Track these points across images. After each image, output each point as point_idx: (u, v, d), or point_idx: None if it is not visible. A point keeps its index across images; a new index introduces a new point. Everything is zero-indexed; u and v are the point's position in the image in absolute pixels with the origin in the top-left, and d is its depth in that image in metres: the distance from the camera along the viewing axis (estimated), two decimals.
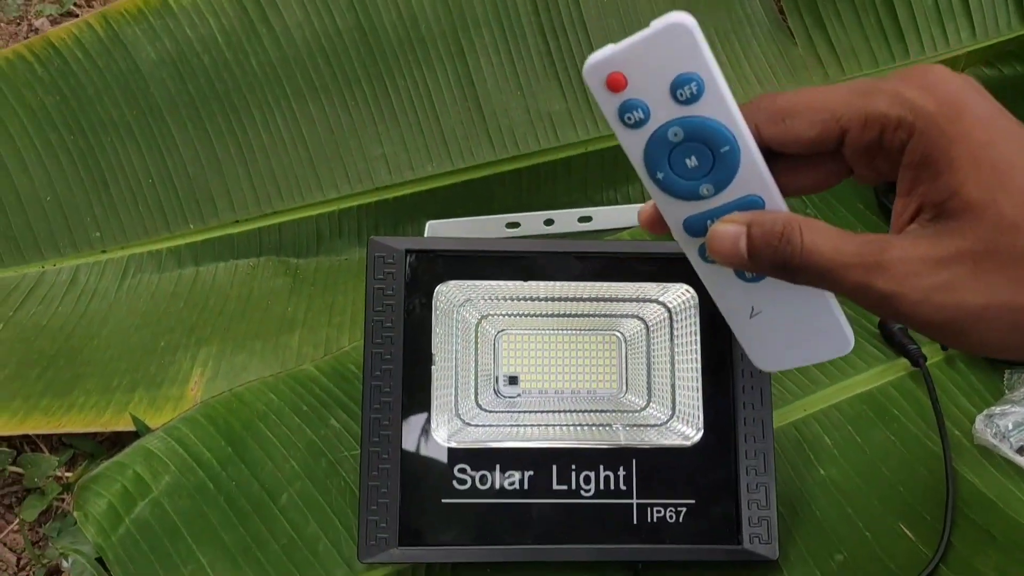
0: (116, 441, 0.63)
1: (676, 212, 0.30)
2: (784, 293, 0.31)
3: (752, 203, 0.30)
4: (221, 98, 0.73)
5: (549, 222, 0.74)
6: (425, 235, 0.71)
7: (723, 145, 0.29)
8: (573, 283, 0.52)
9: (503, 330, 0.54)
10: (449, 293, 0.52)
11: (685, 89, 0.28)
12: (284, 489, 0.54)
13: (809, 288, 0.29)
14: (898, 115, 0.27)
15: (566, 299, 0.54)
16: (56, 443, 0.64)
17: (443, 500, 0.49)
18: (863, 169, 0.30)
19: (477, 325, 0.53)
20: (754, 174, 0.29)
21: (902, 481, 0.56)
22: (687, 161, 0.29)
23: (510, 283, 0.52)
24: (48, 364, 0.64)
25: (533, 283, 0.52)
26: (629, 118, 0.29)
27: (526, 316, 0.54)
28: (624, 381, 0.54)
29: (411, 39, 0.73)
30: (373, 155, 0.73)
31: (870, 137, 0.28)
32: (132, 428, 0.59)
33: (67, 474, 0.61)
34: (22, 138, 0.72)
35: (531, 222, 0.73)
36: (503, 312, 0.54)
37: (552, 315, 0.54)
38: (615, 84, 0.28)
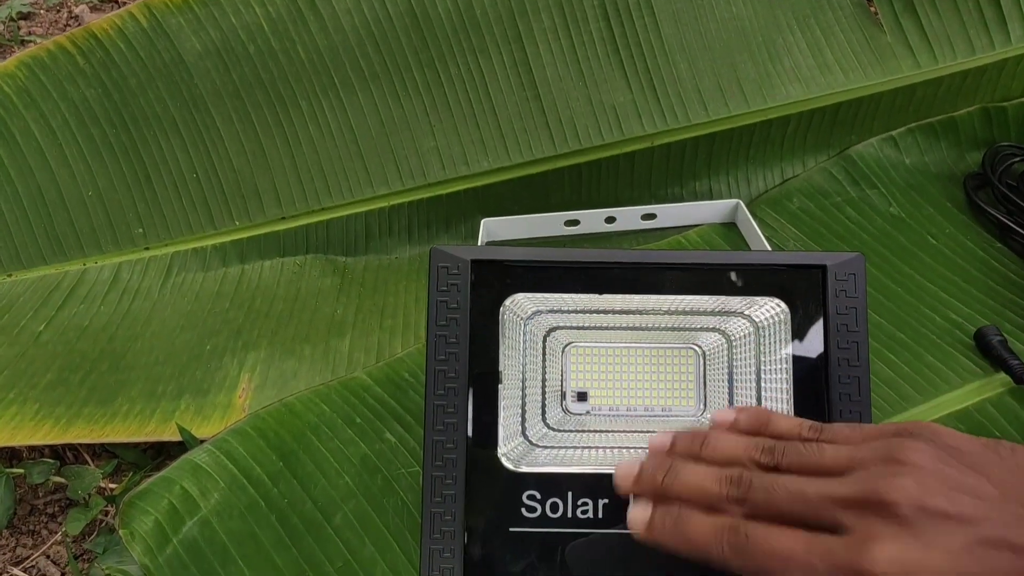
0: (161, 449, 0.61)
1: None
2: None
3: None
4: (267, 88, 0.69)
5: (611, 220, 0.69)
6: (479, 234, 0.67)
7: None
8: (650, 297, 0.48)
9: (571, 343, 0.50)
10: (516, 306, 0.48)
11: None
12: (339, 508, 0.51)
13: None
14: None
15: (641, 312, 0.49)
16: (99, 451, 0.62)
17: (511, 529, 0.46)
18: None
19: (545, 338, 0.49)
20: None
21: None
22: None
23: (583, 296, 0.48)
24: (91, 368, 0.61)
25: (608, 296, 0.48)
26: None
27: (597, 329, 0.50)
28: (703, 399, 0.50)
29: (466, 24, 0.69)
30: (425, 148, 0.70)
31: None
32: (178, 437, 0.57)
33: (111, 486, 0.59)
34: (64, 132, 0.69)
35: (592, 219, 0.69)
36: (572, 325, 0.50)
37: (625, 327, 0.50)
38: None
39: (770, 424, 0.38)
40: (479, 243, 0.67)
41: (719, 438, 0.37)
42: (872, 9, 0.70)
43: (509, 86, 0.69)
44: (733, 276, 0.49)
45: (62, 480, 0.59)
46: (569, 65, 0.69)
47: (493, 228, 0.69)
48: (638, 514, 0.36)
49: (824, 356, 0.47)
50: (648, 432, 0.49)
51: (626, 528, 0.45)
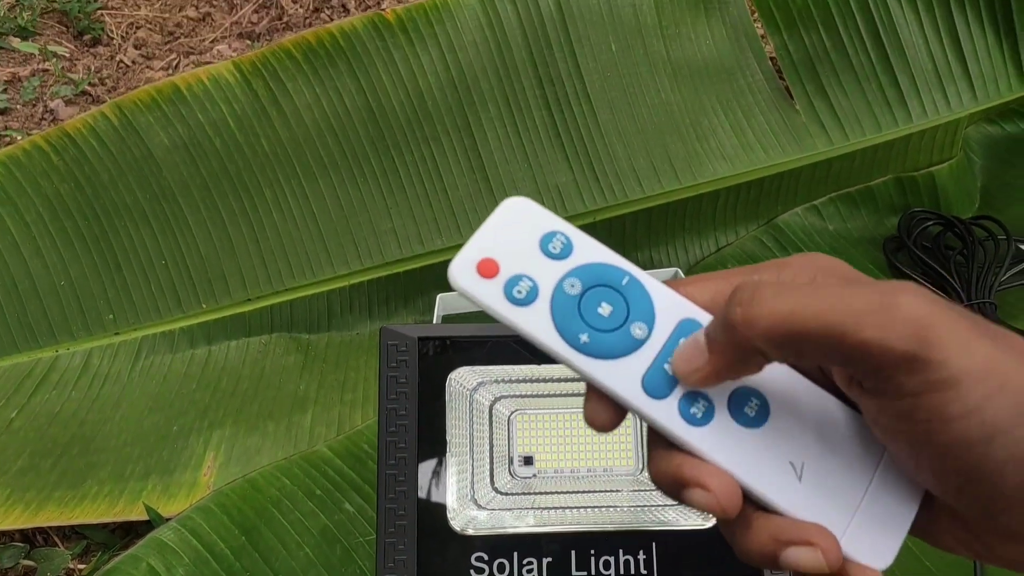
0: (130, 529, 0.63)
1: (625, 378, 0.26)
2: (815, 406, 0.25)
3: (692, 326, 0.26)
4: (232, 179, 0.74)
5: None
6: (436, 308, 0.71)
7: (622, 278, 0.27)
8: None
9: (517, 410, 0.53)
10: (462, 378, 0.52)
11: (555, 242, 0.27)
12: None
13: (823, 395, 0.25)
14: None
15: (579, 380, 0.53)
16: (69, 532, 0.63)
17: None
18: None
19: (491, 407, 0.53)
20: (669, 300, 0.26)
21: None
22: (599, 311, 0.26)
23: (523, 367, 0.52)
24: (62, 453, 0.64)
25: (546, 366, 0.52)
26: (519, 291, 0.26)
27: (539, 396, 0.54)
28: (640, 458, 0.53)
29: (419, 116, 0.74)
30: (383, 229, 0.74)
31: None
32: (145, 517, 0.59)
33: (80, 566, 0.61)
34: (37, 225, 0.73)
35: None
36: (517, 393, 0.53)
37: (566, 395, 0.54)
38: (488, 270, 0.26)
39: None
40: (435, 316, 0.71)
41: None
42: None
43: (460, 170, 0.74)
44: None
45: (32, 563, 0.61)
46: (515, 149, 0.74)
47: (449, 302, 0.73)
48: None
49: None
50: (590, 492, 0.53)
51: None
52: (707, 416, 0.25)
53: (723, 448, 0.25)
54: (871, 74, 0.74)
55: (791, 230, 0.75)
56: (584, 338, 0.26)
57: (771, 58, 0.78)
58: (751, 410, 0.25)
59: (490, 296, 0.26)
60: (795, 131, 0.75)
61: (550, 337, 0.26)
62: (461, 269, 0.27)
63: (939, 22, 0.75)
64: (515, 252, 0.27)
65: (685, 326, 0.26)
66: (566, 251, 0.27)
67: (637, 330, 0.26)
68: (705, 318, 0.26)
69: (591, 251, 0.27)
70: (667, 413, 0.25)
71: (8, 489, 0.61)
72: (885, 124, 0.75)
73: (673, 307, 0.26)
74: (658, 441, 0.26)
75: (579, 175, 0.74)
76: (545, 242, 0.27)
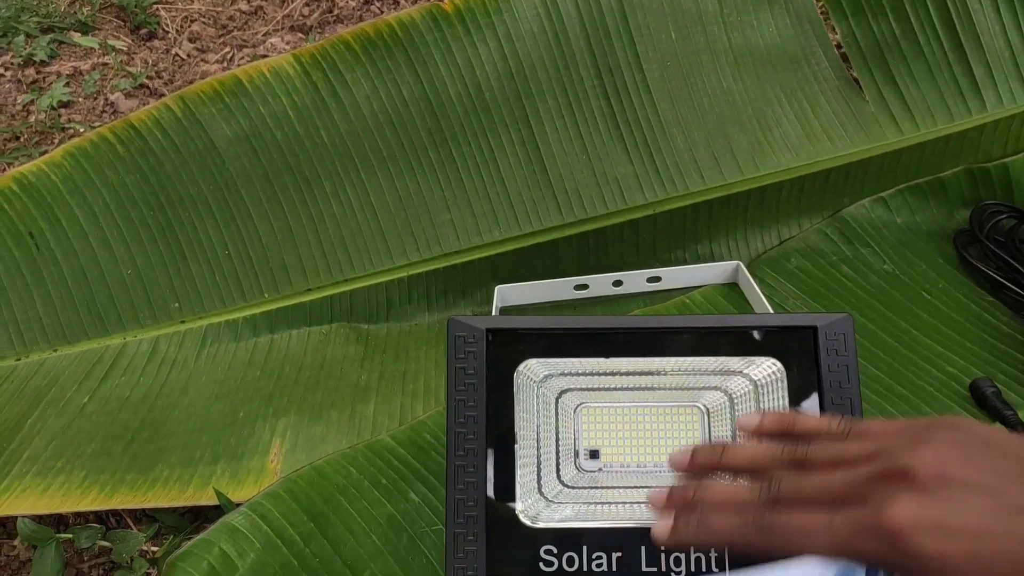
0: (199, 513, 0.64)
1: None
2: None
3: None
4: (293, 170, 0.75)
5: (618, 283, 0.73)
6: (494, 300, 0.71)
7: None
8: (654, 359, 0.52)
9: (582, 403, 0.53)
10: (529, 371, 0.52)
11: None
12: (366, 566, 0.54)
13: None
14: None
15: (646, 373, 0.53)
16: (140, 515, 0.65)
17: None
18: None
19: (557, 399, 0.53)
20: None
21: None
22: None
23: (591, 360, 0.52)
24: (132, 437, 0.65)
25: (614, 359, 0.52)
26: None
27: (606, 390, 0.53)
28: None
29: (476, 107, 0.74)
30: (441, 221, 0.74)
31: None
32: (215, 501, 0.60)
33: (153, 548, 0.62)
34: (104, 216, 0.74)
35: (600, 284, 0.73)
36: (583, 387, 0.53)
37: (632, 388, 0.53)
38: None
39: (796, 424, 0.37)
40: (493, 308, 0.71)
41: (738, 446, 0.37)
42: (855, 80, 0.75)
43: (518, 162, 0.74)
44: (731, 338, 0.52)
45: (107, 544, 0.62)
46: (573, 141, 0.74)
47: (507, 294, 0.73)
48: (661, 525, 0.35)
49: (820, 411, 0.50)
50: (657, 487, 0.52)
51: None
52: None
53: None
54: (943, 62, 0.72)
55: (857, 223, 0.73)
56: None
57: (837, 46, 0.76)
58: None
59: None
60: (863, 121, 0.73)
61: None
62: None
63: (1017, 8, 0.72)
64: None
65: None
66: None
67: None
68: None
69: None
70: None
71: (83, 471, 0.63)
72: (958, 114, 0.72)
73: None
74: None
75: (639, 167, 0.74)
76: None
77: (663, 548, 0.38)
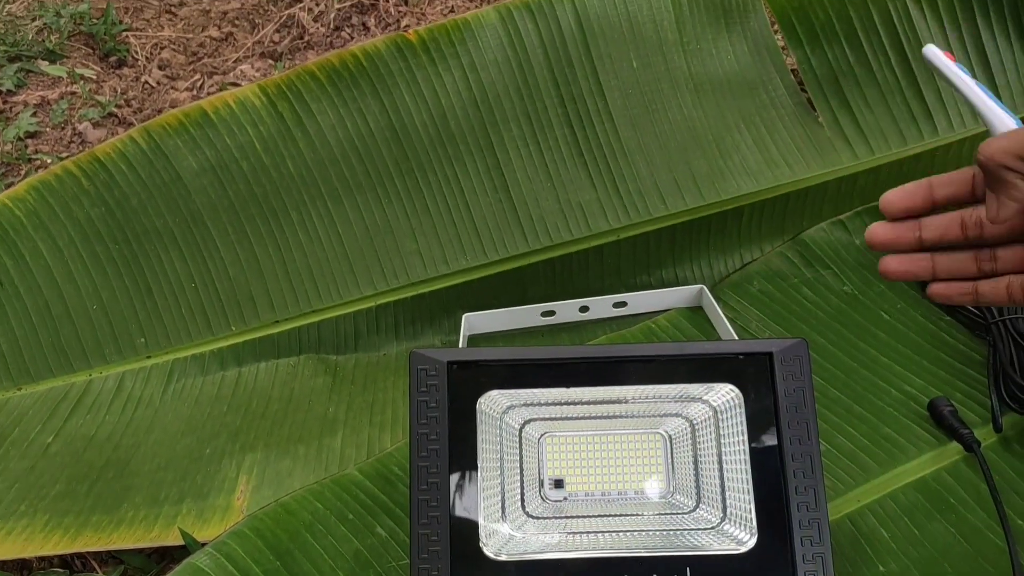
0: (165, 553, 0.63)
1: None
2: None
3: None
4: (259, 201, 0.75)
5: (584, 309, 0.74)
6: (461, 328, 0.72)
7: None
8: (616, 388, 0.52)
9: (546, 433, 0.54)
10: (492, 402, 0.52)
11: None
12: None
13: None
14: None
15: (608, 402, 0.53)
16: (106, 557, 0.64)
17: None
18: None
19: (521, 429, 0.53)
20: None
21: None
22: None
23: (554, 390, 0.52)
24: (97, 477, 0.65)
25: (576, 389, 0.52)
26: None
27: (569, 419, 0.54)
28: (671, 481, 0.53)
29: (441, 136, 0.75)
30: (408, 250, 0.75)
31: None
32: (181, 541, 0.59)
33: None
34: (69, 250, 0.74)
35: (566, 310, 0.74)
36: (546, 416, 0.54)
37: (595, 416, 0.54)
38: None
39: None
40: (460, 336, 0.71)
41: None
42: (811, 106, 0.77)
43: (483, 189, 0.75)
44: (692, 365, 0.53)
45: None
46: (537, 168, 0.75)
47: (474, 322, 0.73)
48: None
49: (777, 435, 0.51)
50: (623, 516, 0.53)
51: None
52: None
53: None
54: (896, 88, 0.74)
55: (817, 245, 0.75)
56: None
57: (792, 70, 0.78)
58: None
59: None
60: (819, 145, 0.75)
61: None
62: None
63: (965, 36, 0.74)
64: None
65: None
66: None
67: None
68: None
69: None
70: None
71: (47, 514, 0.62)
72: (911, 137, 0.74)
73: None
74: None
75: (602, 193, 0.75)
76: None
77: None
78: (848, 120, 0.75)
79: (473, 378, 0.52)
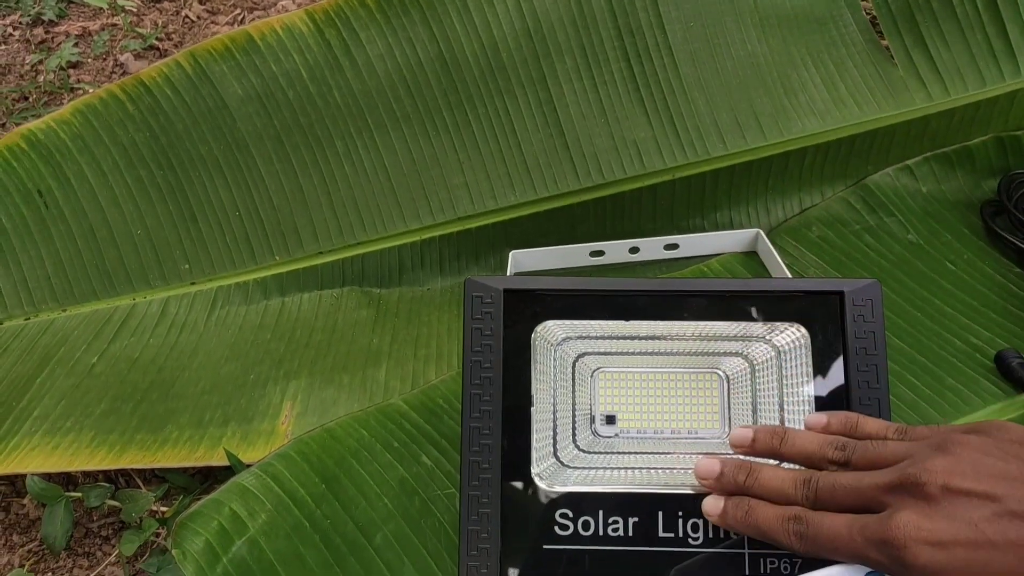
0: (208, 474, 0.64)
1: None
2: None
3: None
4: (305, 131, 0.73)
5: (634, 250, 0.72)
6: (508, 265, 0.70)
7: None
8: (674, 323, 0.50)
9: (600, 368, 0.52)
10: (547, 333, 0.51)
11: None
12: (378, 529, 0.53)
13: None
14: None
15: (666, 338, 0.52)
16: (150, 475, 0.64)
17: (544, 547, 0.47)
18: None
19: (574, 363, 0.52)
20: None
21: None
22: None
23: (610, 323, 0.51)
24: (142, 398, 0.64)
25: (634, 323, 0.50)
26: None
27: (624, 354, 0.52)
28: (727, 421, 0.52)
29: (492, 67, 0.73)
30: (455, 184, 0.73)
31: None
32: (225, 463, 0.59)
33: (163, 508, 0.62)
34: (114, 174, 0.73)
35: (616, 250, 0.72)
36: (601, 350, 0.52)
37: (651, 353, 0.52)
38: None
39: (858, 427, 0.42)
40: (507, 274, 0.69)
41: (797, 435, 0.42)
42: (883, 44, 0.73)
43: (534, 124, 0.72)
44: (754, 303, 0.51)
45: (116, 504, 0.62)
46: (592, 103, 0.72)
47: (521, 259, 0.72)
48: (712, 504, 0.42)
49: (844, 378, 0.49)
50: (675, 454, 0.51)
51: (655, 546, 0.47)
52: None
53: None
54: (976, 24, 0.70)
55: (881, 191, 0.71)
56: None
57: (864, 5, 0.74)
58: None
59: None
60: (891, 85, 0.71)
61: None
62: None
63: None
64: None
65: None
66: None
67: None
68: None
69: None
70: None
71: (93, 431, 0.62)
72: (990, 78, 0.70)
73: None
74: None
75: (658, 131, 0.72)
76: None
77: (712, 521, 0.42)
78: (923, 58, 0.71)
79: (528, 308, 0.51)
